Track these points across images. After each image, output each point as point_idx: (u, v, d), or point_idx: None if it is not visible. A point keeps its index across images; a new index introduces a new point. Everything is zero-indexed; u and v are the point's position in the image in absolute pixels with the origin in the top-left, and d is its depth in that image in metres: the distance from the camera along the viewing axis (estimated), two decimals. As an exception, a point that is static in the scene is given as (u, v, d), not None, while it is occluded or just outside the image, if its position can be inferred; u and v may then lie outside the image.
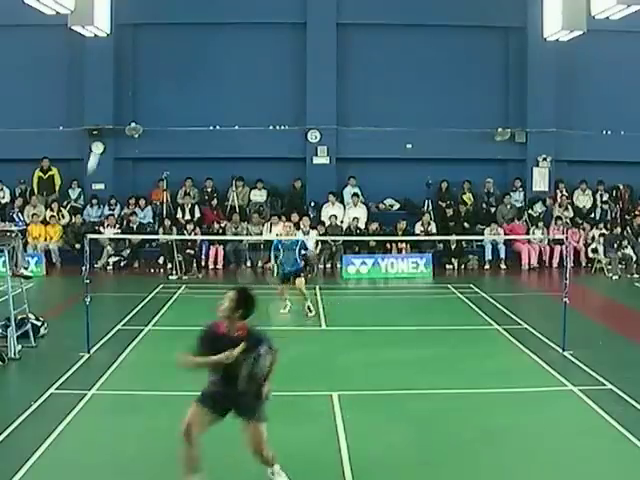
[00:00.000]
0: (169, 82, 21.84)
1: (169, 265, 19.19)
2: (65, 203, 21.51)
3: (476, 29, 22.01)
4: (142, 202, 21.35)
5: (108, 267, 19.87)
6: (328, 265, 20.04)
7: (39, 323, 11.91)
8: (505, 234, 20.50)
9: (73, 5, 15.07)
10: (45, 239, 20.22)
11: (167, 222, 20.08)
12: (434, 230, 20.65)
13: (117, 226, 20.54)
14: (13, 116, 21.32)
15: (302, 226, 19.73)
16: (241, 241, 20.00)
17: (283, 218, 20.60)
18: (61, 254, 20.12)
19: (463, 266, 20.39)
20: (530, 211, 21.62)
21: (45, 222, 20.55)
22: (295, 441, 7.55)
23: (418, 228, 20.65)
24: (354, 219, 20.56)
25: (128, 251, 20.23)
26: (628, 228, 20.94)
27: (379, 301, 16.68)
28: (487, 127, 22.04)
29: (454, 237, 19.41)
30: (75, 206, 21.58)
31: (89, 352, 10.86)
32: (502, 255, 20.54)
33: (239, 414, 6.38)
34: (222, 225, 20.86)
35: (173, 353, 11.21)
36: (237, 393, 6.21)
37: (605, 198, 22.16)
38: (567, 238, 13.22)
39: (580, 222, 21.38)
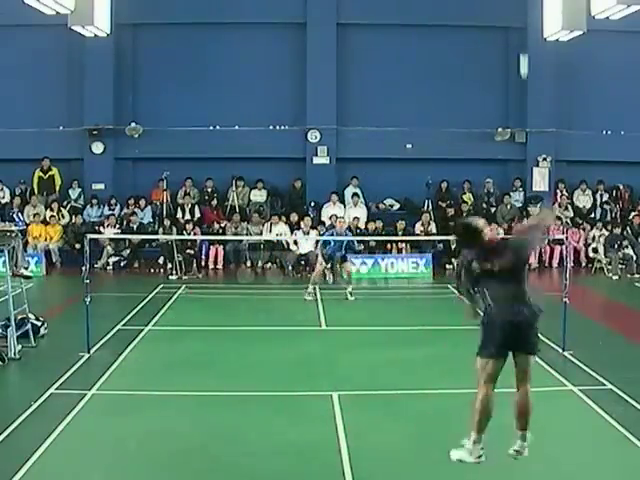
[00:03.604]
0: (169, 82, 21.84)
1: (169, 265, 19.18)
2: (65, 203, 21.51)
3: (476, 29, 21.99)
4: (142, 202, 21.37)
5: (108, 267, 19.87)
6: (328, 265, 19.98)
7: (39, 323, 11.91)
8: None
9: (73, 5, 15.06)
10: (45, 239, 20.22)
11: (167, 222, 20.08)
12: (434, 230, 20.64)
13: (117, 226, 20.54)
14: (13, 116, 21.32)
15: (303, 226, 19.76)
16: (241, 241, 20.00)
17: (283, 218, 20.64)
18: (61, 254, 20.12)
19: (463, 266, 20.35)
20: (530, 208, 21.64)
21: (45, 222, 20.56)
22: (295, 441, 7.55)
23: (418, 228, 20.64)
24: (354, 219, 20.57)
25: (128, 251, 20.23)
26: (628, 228, 20.92)
27: (379, 301, 16.68)
28: (487, 127, 22.03)
29: (454, 237, 19.36)
30: (75, 206, 21.58)
31: (89, 352, 10.85)
32: (502, 255, 20.49)
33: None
34: (222, 225, 20.86)
35: (173, 353, 11.28)
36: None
37: (605, 198, 22.16)
38: (567, 238, 13.23)
39: (580, 222, 21.39)
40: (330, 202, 21.32)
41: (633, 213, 21.41)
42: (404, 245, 20.10)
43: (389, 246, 20.17)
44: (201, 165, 21.75)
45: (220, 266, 20.22)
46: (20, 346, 10.83)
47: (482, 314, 6.61)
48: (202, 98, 21.83)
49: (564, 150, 22.11)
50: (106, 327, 12.38)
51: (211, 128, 21.92)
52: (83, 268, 11.06)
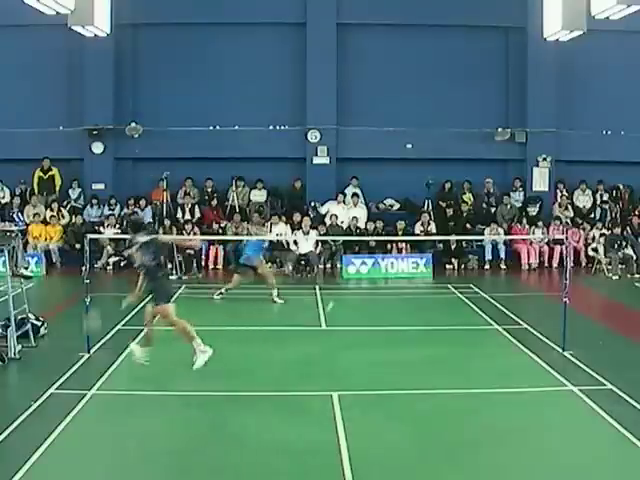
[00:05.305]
0: (169, 82, 21.85)
1: (169, 265, 19.17)
2: (65, 203, 21.51)
3: (476, 29, 22.00)
4: (142, 202, 21.36)
5: (108, 267, 19.86)
6: (328, 265, 20.04)
7: (39, 323, 11.91)
8: (507, 234, 20.51)
9: (73, 5, 15.05)
10: (45, 239, 20.22)
11: (167, 222, 20.08)
12: (434, 230, 20.65)
13: (117, 226, 20.54)
14: (13, 116, 21.33)
15: (303, 226, 19.75)
16: (241, 241, 19.98)
17: (283, 218, 20.64)
18: (61, 254, 20.12)
19: (463, 266, 20.39)
20: (529, 209, 21.65)
21: (45, 222, 20.56)
22: (295, 441, 7.55)
23: (418, 228, 20.65)
24: (353, 218, 20.58)
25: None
26: (628, 228, 20.93)
27: (379, 301, 16.68)
28: (487, 127, 22.04)
29: (454, 237, 19.41)
30: (75, 206, 21.58)
31: (89, 352, 10.86)
32: (502, 255, 20.54)
33: None
34: (222, 225, 20.86)
35: (173, 353, 11.27)
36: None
37: (605, 198, 22.17)
38: (567, 238, 13.22)
39: (580, 222, 21.39)
40: (335, 200, 21.30)
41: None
42: (404, 245, 20.11)
43: (389, 246, 20.18)
44: (201, 165, 21.76)
45: (220, 266, 20.22)
46: (20, 346, 10.83)
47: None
48: (202, 98, 21.84)
49: (564, 150, 22.11)
50: (106, 327, 12.37)
51: (211, 128, 21.92)
52: (83, 268, 11.07)
